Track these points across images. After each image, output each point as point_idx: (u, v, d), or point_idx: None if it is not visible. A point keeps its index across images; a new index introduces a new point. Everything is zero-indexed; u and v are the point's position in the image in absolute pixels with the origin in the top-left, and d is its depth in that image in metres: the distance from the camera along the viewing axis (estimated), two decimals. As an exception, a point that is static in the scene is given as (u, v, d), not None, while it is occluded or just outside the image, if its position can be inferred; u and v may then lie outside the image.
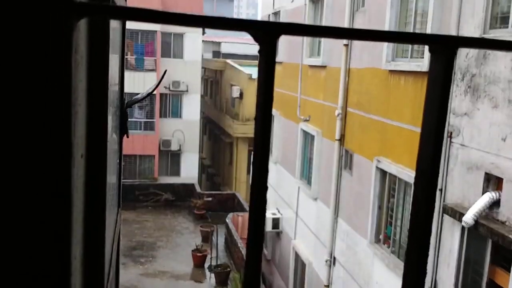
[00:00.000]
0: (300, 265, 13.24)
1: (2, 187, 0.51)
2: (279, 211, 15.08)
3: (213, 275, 16.25)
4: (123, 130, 1.73)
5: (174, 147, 26.17)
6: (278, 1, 15.48)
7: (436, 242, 7.19)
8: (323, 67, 11.93)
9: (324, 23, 11.78)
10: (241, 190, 25.02)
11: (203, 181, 30.73)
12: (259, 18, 31.57)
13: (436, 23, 7.40)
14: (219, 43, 37.09)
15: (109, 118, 1.19)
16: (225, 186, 27.52)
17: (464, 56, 6.79)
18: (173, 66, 25.05)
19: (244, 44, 36.14)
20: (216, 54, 36.51)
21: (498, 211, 6.05)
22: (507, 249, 5.79)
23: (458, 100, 6.92)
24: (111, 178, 1.37)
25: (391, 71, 8.71)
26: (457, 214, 6.57)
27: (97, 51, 0.72)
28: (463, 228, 6.57)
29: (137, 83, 23.38)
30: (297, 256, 13.44)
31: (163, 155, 26.44)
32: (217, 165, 30.31)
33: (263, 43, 0.54)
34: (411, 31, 8.30)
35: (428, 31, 7.53)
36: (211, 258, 16.93)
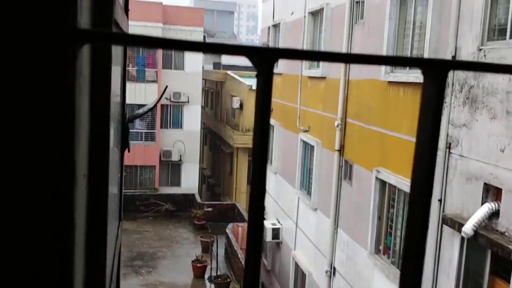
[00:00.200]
0: (300, 275, 13.19)
1: (6, 204, 0.53)
2: (279, 222, 15.05)
3: (213, 285, 16.19)
4: (124, 144, 1.75)
5: (174, 157, 26.19)
6: (278, 14, 15.59)
7: (435, 252, 7.17)
8: (323, 78, 11.98)
9: (323, 35, 11.86)
10: (241, 200, 24.98)
11: (203, 191, 30.70)
12: (259, 30, 31.77)
13: (434, 35, 7.46)
14: (219, 55, 37.25)
15: (111, 133, 1.20)
16: (225, 197, 27.48)
17: (463, 68, 6.83)
18: (174, 77, 25.18)
19: (244, 55, 36.26)
20: (217, 65, 36.68)
21: (497, 221, 6.05)
22: (507, 260, 5.78)
23: (456, 111, 6.95)
24: (112, 192, 1.38)
25: (390, 82, 8.76)
26: (456, 224, 6.57)
27: (99, 72, 0.74)
28: (462, 238, 6.56)
29: (138, 94, 23.49)
30: (297, 266, 13.39)
31: (163, 166, 26.45)
32: (218, 175, 30.30)
33: (261, 68, 0.56)
34: (410, 43, 8.36)
35: (426, 43, 7.58)
36: (211, 268, 16.86)
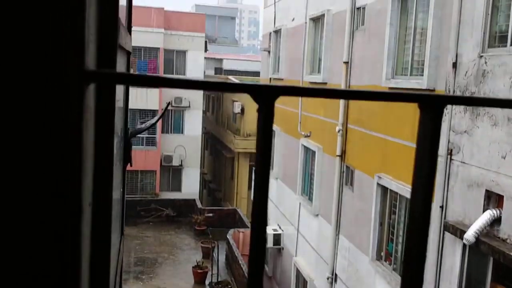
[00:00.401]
0: (302, 282, 13.16)
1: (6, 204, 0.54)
2: (280, 227, 15.04)
3: (214, 292, 16.16)
4: (126, 159, 1.76)
5: (175, 162, 26.20)
6: (279, 19, 15.63)
7: (437, 259, 7.17)
8: (324, 84, 12.00)
9: (324, 41, 11.89)
10: (242, 205, 24.97)
11: (204, 196, 30.69)
12: (260, 35, 31.82)
13: (435, 41, 7.48)
14: (221, 60, 37.38)
15: (114, 151, 1.21)
16: (226, 202, 27.47)
17: (463, 75, 6.85)
18: (174, 82, 25.16)
19: (246, 61, 36.43)
20: (218, 70, 36.77)
21: (499, 228, 6.05)
22: (509, 267, 5.77)
23: (457, 117, 6.96)
24: (115, 208, 1.39)
25: (391, 89, 8.77)
26: (458, 231, 6.56)
27: (104, 108, 0.76)
28: (464, 245, 6.56)
29: (140, 99, 23.54)
30: (298, 272, 13.37)
31: (164, 171, 26.47)
32: (219, 180, 30.30)
33: (262, 103, 0.57)
34: (410, 49, 8.38)
35: (427, 49, 7.60)
36: (211, 274, 16.83)
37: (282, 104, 14.74)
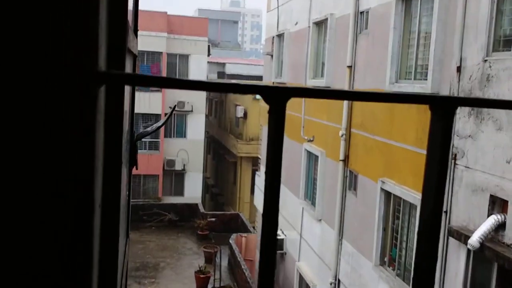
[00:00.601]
0: (304, 287, 13.12)
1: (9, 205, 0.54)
2: (283, 232, 15.01)
3: (216, 296, 16.12)
4: (132, 162, 1.77)
5: (178, 166, 26.22)
6: (282, 24, 15.66)
7: (441, 265, 7.13)
8: (327, 88, 12.00)
9: (328, 45, 11.90)
10: (245, 210, 24.94)
11: (206, 200, 30.68)
12: (263, 39, 31.92)
13: (439, 45, 7.47)
14: (223, 64, 37.45)
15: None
16: (229, 206, 27.44)
17: (468, 79, 6.84)
18: (178, 86, 25.21)
19: (249, 65, 36.50)
20: (221, 74, 36.83)
21: (503, 233, 6.02)
22: (514, 273, 5.74)
23: (462, 122, 6.95)
24: (121, 210, 1.39)
25: (395, 93, 8.76)
26: (462, 236, 6.53)
27: (113, 110, 0.76)
28: (468, 251, 6.53)
29: (143, 103, 23.58)
30: (301, 278, 13.32)
31: (167, 175, 26.48)
32: (221, 184, 30.30)
33: (273, 105, 0.57)
34: (414, 53, 8.37)
35: (431, 53, 7.60)
36: (214, 279, 16.80)
37: (285, 109, 14.73)
